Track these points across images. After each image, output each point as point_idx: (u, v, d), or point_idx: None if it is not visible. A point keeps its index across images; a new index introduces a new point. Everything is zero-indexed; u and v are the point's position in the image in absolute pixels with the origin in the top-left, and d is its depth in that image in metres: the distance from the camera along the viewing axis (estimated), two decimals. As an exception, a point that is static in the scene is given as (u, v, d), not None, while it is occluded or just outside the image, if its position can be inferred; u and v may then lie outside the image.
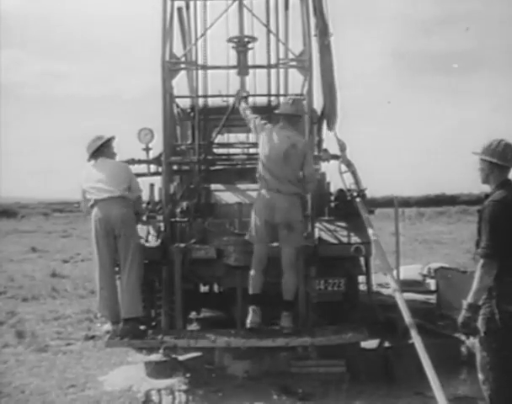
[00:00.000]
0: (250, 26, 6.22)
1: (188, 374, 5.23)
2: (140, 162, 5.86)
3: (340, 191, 6.09)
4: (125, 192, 5.29)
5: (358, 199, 5.42)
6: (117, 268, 5.35)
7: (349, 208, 5.72)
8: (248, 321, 5.06)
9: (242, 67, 6.07)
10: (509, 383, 3.49)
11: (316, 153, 5.99)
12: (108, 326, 5.62)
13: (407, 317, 4.49)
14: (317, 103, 6.03)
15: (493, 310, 3.49)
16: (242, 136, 7.77)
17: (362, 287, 6.00)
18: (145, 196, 6.00)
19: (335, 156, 5.98)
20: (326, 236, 5.55)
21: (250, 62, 6.21)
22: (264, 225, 5.07)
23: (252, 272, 5.11)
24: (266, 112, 6.58)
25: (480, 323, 3.54)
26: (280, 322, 5.09)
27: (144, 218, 5.84)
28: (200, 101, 6.41)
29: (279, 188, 5.04)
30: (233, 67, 6.16)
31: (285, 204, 5.00)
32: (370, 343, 5.51)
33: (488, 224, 3.53)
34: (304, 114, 5.39)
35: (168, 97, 5.82)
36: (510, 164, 3.69)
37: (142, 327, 5.39)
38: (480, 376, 3.60)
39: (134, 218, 5.37)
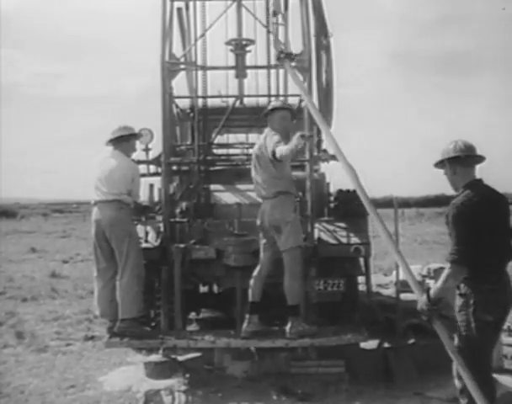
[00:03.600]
0: (250, 27, 6.23)
1: (187, 375, 5.24)
2: (139, 162, 5.86)
3: (339, 191, 6.10)
4: (121, 196, 5.23)
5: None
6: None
7: (349, 208, 5.73)
8: (243, 328, 5.04)
9: (240, 69, 6.08)
10: (485, 391, 3.38)
11: (315, 153, 5.99)
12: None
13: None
14: (317, 104, 6.03)
15: (469, 318, 3.44)
16: (241, 137, 7.78)
17: (362, 287, 6.00)
18: (144, 196, 5.99)
19: (334, 157, 5.99)
20: (325, 237, 5.56)
21: (251, 63, 6.21)
22: (261, 233, 5.07)
23: (252, 279, 5.08)
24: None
25: (457, 331, 3.51)
26: (285, 327, 5.01)
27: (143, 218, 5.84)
28: (200, 101, 6.41)
29: (263, 195, 5.02)
30: (233, 68, 6.17)
31: (268, 207, 4.95)
32: (370, 344, 5.51)
33: (454, 229, 3.44)
34: (291, 109, 5.28)
35: (168, 97, 5.82)
36: (464, 153, 3.54)
37: (147, 329, 5.41)
38: (457, 383, 3.55)
39: (127, 221, 5.28)
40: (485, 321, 3.41)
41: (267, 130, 5.08)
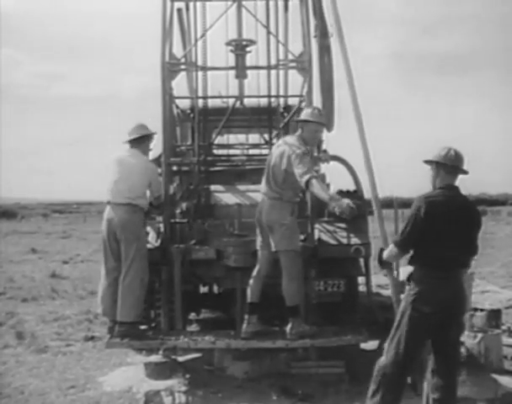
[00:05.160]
0: (250, 27, 6.22)
1: (187, 375, 5.24)
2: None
3: (340, 192, 6.09)
4: (136, 200, 5.28)
5: None
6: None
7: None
8: (243, 330, 5.05)
9: (241, 70, 6.07)
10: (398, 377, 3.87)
11: (316, 154, 5.99)
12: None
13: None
14: (317, 105, 6.04)
15: (406, 306, 3.78)
16: (241, 137, 7.77)
17: (362, 288, 6.00)
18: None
19: (334, 157, 5.99)
20: (325, 238, 5.55)
21: (251, 63, 6.21)
22: (259, 230, 5.07)
23: (251, 280, 5.08)
24: (266, 113, 6.59)
25: (398, 314, 3.87)
26: (285, 328, 5.02)
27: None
28: (200, 102, 6.41)
29: (264, 192, 5.04)
30: (233, 68, 6.17)
31: (266, 205, 4.96)
32: (370, 344, 5.51)
33: (408, 217, 3.77)
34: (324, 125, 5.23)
35: (168, 97, 5.82)
36: (451, 163, 3.80)
37: (143, 327, 5.41)
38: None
39: (139, 225, 5.32)
40: (422, 311, 3.70)
41: (296, 139, 4.94)
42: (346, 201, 4.40)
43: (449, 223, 3.71)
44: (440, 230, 3.69)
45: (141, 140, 5.46)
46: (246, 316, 5.06)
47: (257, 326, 5.05)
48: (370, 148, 4.76)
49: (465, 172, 3.88)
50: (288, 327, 4.97)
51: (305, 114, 5.08)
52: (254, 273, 5.08)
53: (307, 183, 4.57)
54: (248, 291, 5.07)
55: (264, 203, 5.02)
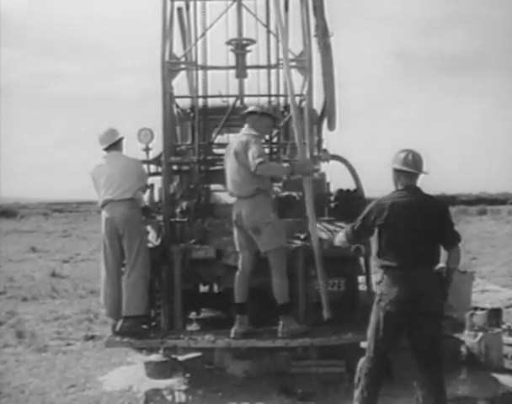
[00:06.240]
0: (250, 27, 6.22)
1: (187, 375, 5.25)
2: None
3: (340, 191, 6.10)
4: (136, 194, 5.39)
5: None
6: (123, 268, 5.38)
7: (349, 208, 5.72)
8: (233, 330, 5.05)
9: (241, 69, 6.08)
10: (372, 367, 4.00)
11: (316, 153, 5.99)
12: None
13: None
14: (317, 104, 6.04)
15: (376, 305, 3.97)
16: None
17: (362, 287, 6.00)
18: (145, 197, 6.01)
19: (335, 157, 5.99)
20: (326, 237, 5.55)
21: (252, 62, 6.22)
22: (238, 232, 5.06)
23: (235, 280, 5.07)
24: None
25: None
26: (277, 327, 5.03)
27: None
28: (200, 101, 6.41)
29: (239, 193, 5.00)
30: (233, 68, 6.18)
31: (246, 207, 4.92)
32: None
33: (360, 215, 4.05)
34: (269, 114, 5.21)
35: (168, 97, 5.82)
36: (409, 168, 3.94)
37: (144, 327, 5.42)
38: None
39: (140, 220, 5.42)
40: (387, 311, 3.88)
41: (248, 129, 5.04)
42: (305, 160, 4.99)
43: (405, 224, 3.86)
44: (395, 232, 3.88)
45: (117, 143, 5.52)
46: (237, 317, 5.06)
47: (248, 327, 5.05)
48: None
49: (425, 173, 4.02)
50: (280, 326, 4.98)
51: (253, 107, 5.21)
52: (238, 273, 5.07)
53: (258, 166, 4.70)
54: (235, 292, 5.07)
55: (240, 205, 4.97)
